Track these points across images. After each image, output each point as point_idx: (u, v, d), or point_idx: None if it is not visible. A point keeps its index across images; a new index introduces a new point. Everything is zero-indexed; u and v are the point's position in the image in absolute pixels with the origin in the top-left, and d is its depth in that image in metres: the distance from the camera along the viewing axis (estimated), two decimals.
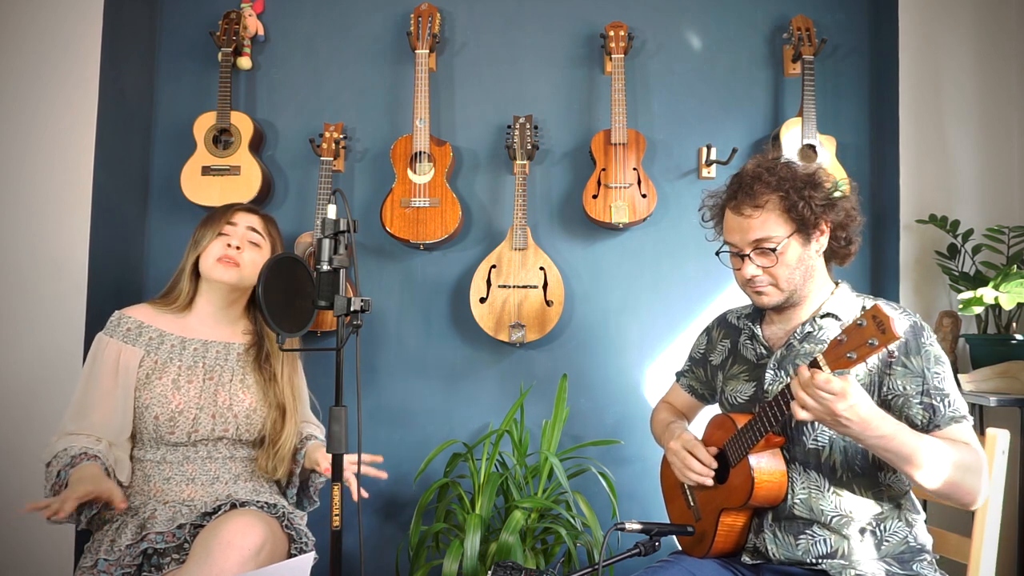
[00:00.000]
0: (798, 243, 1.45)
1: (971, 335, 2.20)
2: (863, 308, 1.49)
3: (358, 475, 1.50)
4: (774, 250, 1.44)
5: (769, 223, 1.44)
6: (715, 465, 1.49)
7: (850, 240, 1.50)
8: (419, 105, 2.36)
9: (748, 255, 1.47)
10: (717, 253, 1.57)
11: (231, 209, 1.85)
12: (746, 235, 1.46)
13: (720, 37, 2.54)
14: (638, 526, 1.42)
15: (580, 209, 2.40)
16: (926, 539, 1.43)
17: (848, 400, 1.20)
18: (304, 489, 1.90)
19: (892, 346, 1.25)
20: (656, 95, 2.53)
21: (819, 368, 1.23)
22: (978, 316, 2.17)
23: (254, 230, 1.83)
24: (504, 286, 2.35)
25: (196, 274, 1.82)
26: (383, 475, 1.72)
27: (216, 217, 1.83)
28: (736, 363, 1.62)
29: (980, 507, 1.40)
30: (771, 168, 1.47)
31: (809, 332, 1.48)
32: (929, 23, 2.38)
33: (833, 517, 1.40)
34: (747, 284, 1.50)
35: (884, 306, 1.24)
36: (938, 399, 1.35)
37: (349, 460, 1.66)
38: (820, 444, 1.42)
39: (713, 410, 1.70)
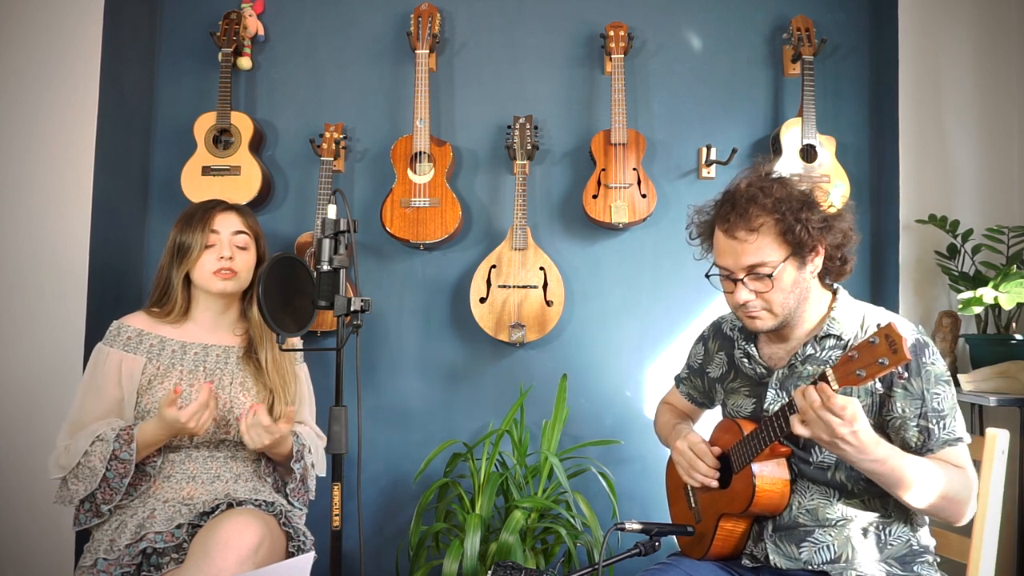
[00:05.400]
0: (793, 267, 1.38)
1: (971, 335, 2.20)
2: (863, 318, 1.44)
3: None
4: (770, 275, 1.36)
5: (764, 248, 1.37)
6: (718, 466, 1.49)
7: (845, 260, 1.43)
8: (419, 105, 2.36)
9: (741, 280, 1.39)
10: (707, 275, 1.48)
11: (208, 214, 1.79)
12: (739, 259, 1.39)
13: (720, 37, 2.54)
14: (638, 526, 1.42)
15: (580, 209, 2.40)
16: (929, 541, 1.43)
17: (853, 426, 1.19)
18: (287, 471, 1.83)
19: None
20: (656, 95, 2.53)
21: (827, 382, 1.21)
22: (978, 316, 2.17)
23: (238, 232, 1.81)
24: (504, 286, 2.35)
25: (186, 283, 1.81)
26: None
27: (195, 224, 1.78)
28: (737, 378, 1.58)
29: (980, 509, 1.40)
30: (766, 188, 1.38)
31: (811, 354, 1.43)
32: (929, 23, 2.38)
33: (837, 521, 1.39)
34: (739, 308, 1.43)
35: (898, 324, 1.19)
36: (934, 422, 1.33)
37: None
38: (828, 463, 1.40)
39: (714, 413, 1.70)
